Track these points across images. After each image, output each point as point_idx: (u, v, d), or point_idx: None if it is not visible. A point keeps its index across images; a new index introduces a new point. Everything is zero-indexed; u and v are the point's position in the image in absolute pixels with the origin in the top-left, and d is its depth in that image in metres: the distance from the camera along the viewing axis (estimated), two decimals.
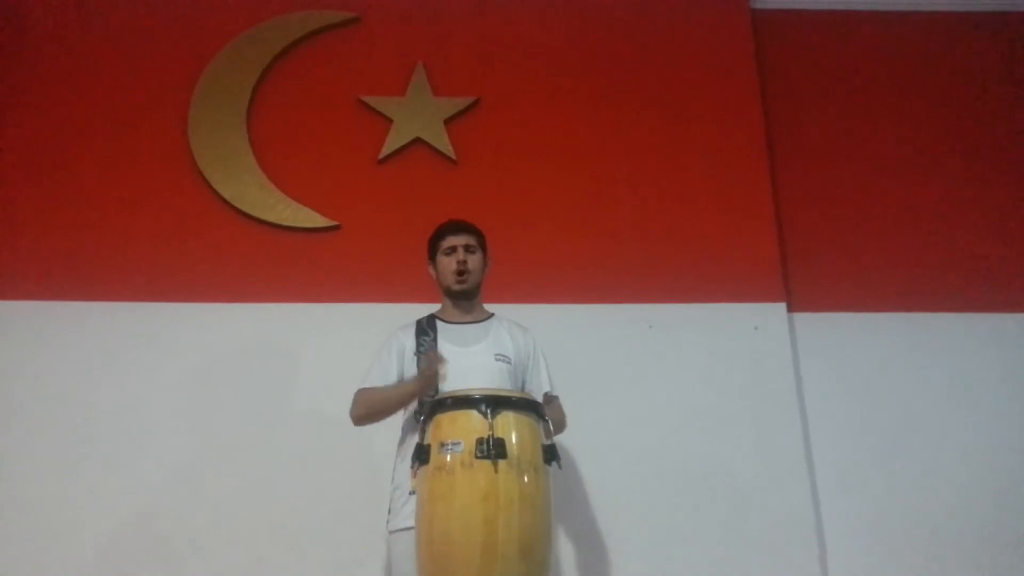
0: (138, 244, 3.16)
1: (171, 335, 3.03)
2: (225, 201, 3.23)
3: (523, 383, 2.35)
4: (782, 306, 3.20)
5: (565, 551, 2.79)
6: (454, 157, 3.35)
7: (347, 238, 3.23)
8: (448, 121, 3.40)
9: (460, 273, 2.35)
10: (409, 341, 2.33)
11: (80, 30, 3.47)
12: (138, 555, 2.74)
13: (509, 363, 2.31)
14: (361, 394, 2.30)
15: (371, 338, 2.95)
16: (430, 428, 1.94)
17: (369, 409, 2.29)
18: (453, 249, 2.37)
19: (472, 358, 2.27)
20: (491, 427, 1.84)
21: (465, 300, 2.39)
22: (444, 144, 3.36)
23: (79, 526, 2.76)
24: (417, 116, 3.39)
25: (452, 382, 2.15)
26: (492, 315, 2.45)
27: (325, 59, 3.49)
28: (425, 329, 2.34)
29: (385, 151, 3.34)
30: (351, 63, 3.49)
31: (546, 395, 2.34)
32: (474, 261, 2.37)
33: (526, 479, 1.84)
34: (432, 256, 2.44)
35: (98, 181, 3.25)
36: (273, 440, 2.91)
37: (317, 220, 3.23)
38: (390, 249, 3.20)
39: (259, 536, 2.78)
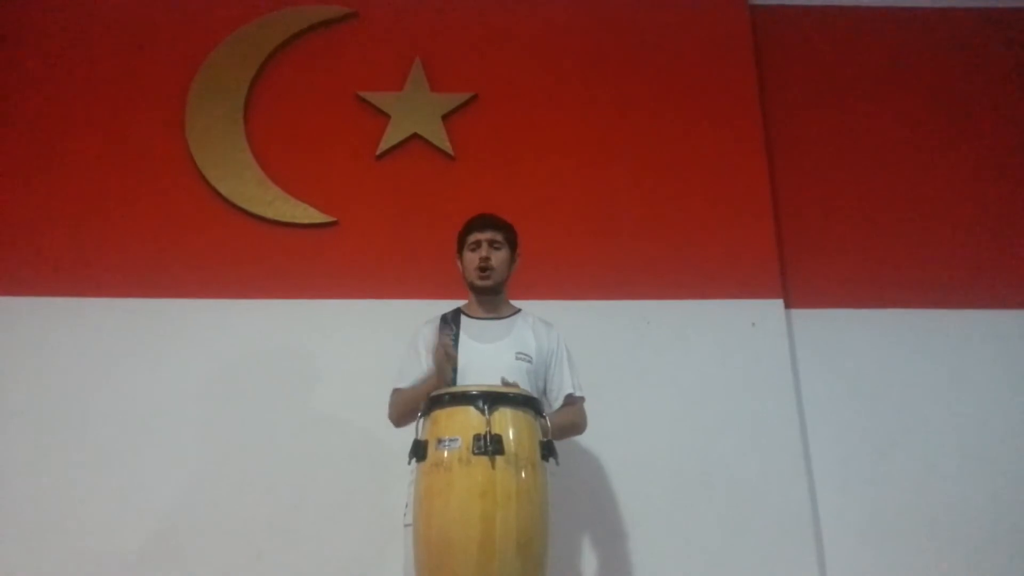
0: (135, 240, 3.16)
1: (168, 331, 3.03)
2: (222, 197, 3.23)
3: (545, 382, 2.34)
4: (779, 302, 3.20)
5: (562, 547, 2.78)
6: (452, 153, 3.35)
7: (345, 234, 3.22)
8: (446, 117, 3.39)
9: (483, 270, 2.33)
10: (433, 336, 2.33)
11: (77, 27, 3.46)
12: (138, 553, 2.74)
13: (530, 362, 2.29)
14: (394, 396, 2.31)
15: (369, 334, 2.98)
16: (427, 424, 1.94)
17: (403, 409, 2.27)
18: (478, 245, 2.35)
19: (492, 355, 2.26)
20: (488, 423, 1.84)
21: (489, 296, 2.38)
22: (442, 140, 3.35)
23: (78, 524, 2.76)
24: (415, 112, 3.39)
25: (470, 379, 2.15)
26: (518, 311, 2.44)
27: (322, 54, 3.48)
28: (449, 324, 2.34)
29: (383, 147, 3.33)
30: (348, 58, 3.48)
31: (567, 396, 2.33)
32: (498, 258, 2.35)
33: (523, 475, 1.84)
34: (459, 250, 2.42)
35: (95, 177, 3.25)
36: (271, 436, 2.91)
37: (315, 216, 3.22)
38: (388, 245, 3.20)
39: (258, 532, 2.78)
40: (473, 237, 2.37)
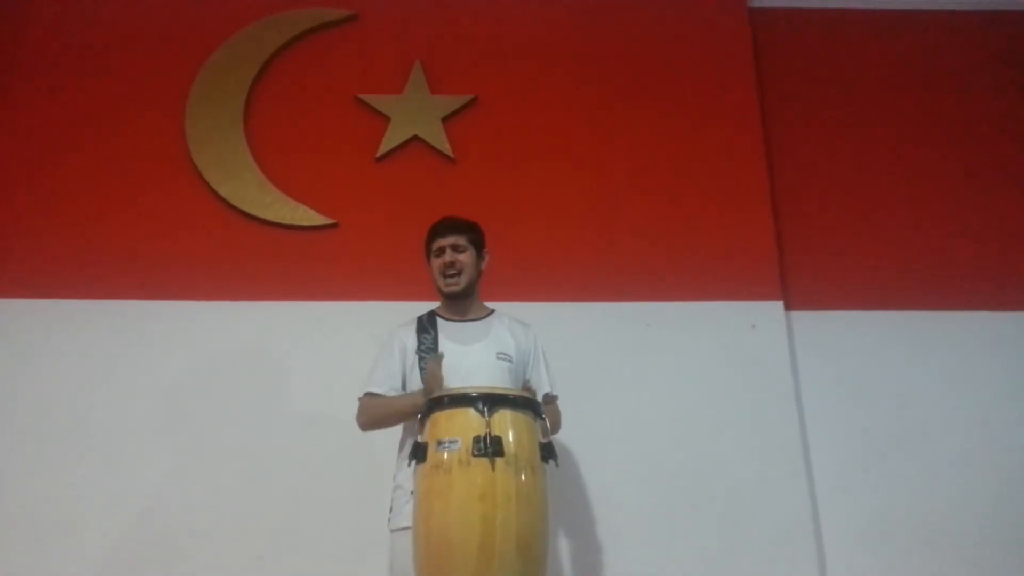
0: (135, 242, 3.16)
1: (168, 333, 3.03)
2: (222, 199, 3.23)
3: (524, 381, 2.34)
4: (779, 304, 3.20)
5: (562, 549, 2.79)
6: (452, 155, 3.35)
7: (345, 236, 3.22)
8: (446, 119, 3.40)
9: (448, 276, 2.34)
10: (410, 339, 2.32)
11: (77, 29, 3.47)
12: (136, 554, 2.74)
13: (510, 361, 2.30)
14: (366, 401, 2.29)
15: (369, 336, 2.94)
16: (427, 426, 1.94)
17: (374, 419, 2.28)
18: (441, 251, 2.36)
19: (473, 356, 2.26)
20: (488, 425, 1.84)
21: (461, 299, 2.38)
22: (442, 142, 3.36)
23: (76, 525, 2.76)
24: (415, 114, 3.39)
25: (453, 381, 2.14)
26: (492, 311, 2.44)
27: (322, 57, 3.49)
28: (426, 327, 2.33)
29: (383, 149, 3.34)
30: (348, 61, 3.49)
31: (545, 395, 2.34)
32: (463, 260, 2.35)
33: (523, 477, 1.84)
34: (427, 256, 2.43)
35: (95, 179, 3.25)
36: (270, 438, 2.91)
37: (315, 218, 3.23)
38: (388, 247, 3.20)
39: (257, 535, 2.78)
40: (436, 244, 2.38)
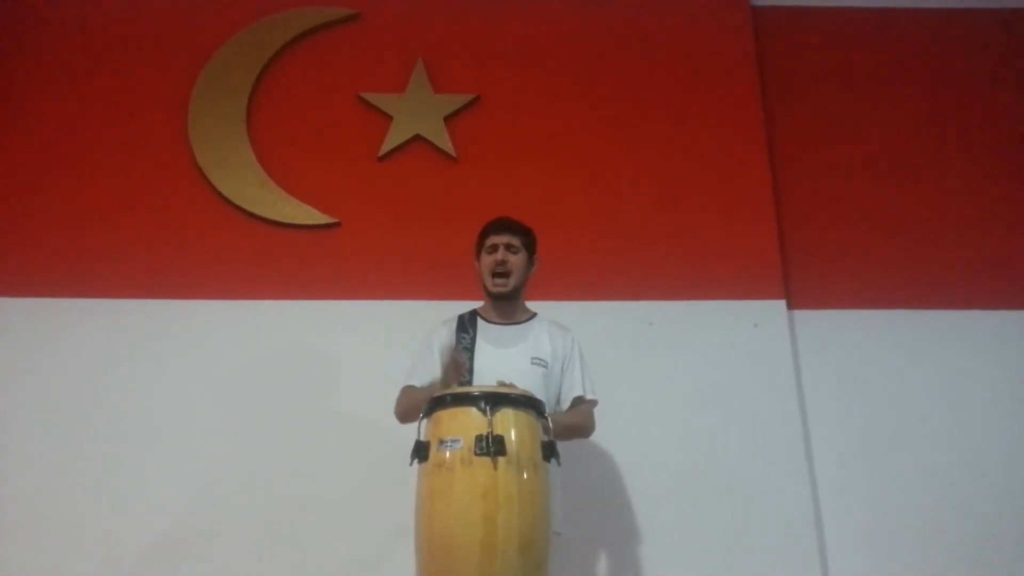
0: (138, 241, 3.16)
1: (170, 332, 3.03)
2: (225, 198, 3.23)
3: (559, 385, 2.34)
4: (782, 303, 3.19)
5: (563, 548, 2.77)
6: (454, 154, 3.35)
7: (347, 235, 3.22)
8: (448, 118, 3.40)
9: (496, 274, 2.33)
10: (449, 337, 2.33)
11: (80, 28, 3.47)
12: (140, 554, 2.74)
13: (545, 367, 2.29)
14: (404, 393, 2.30)
15: (371, 335, 2.99)
16: (429, 425, 1.94)
17: (407, 411, 2.26)
18: (494, 248, 2.35)
19: (508, 360, 2.26)
20: (490, 424, 1.84)
21: (505, 302, 2.37)
22: (444, 141, 3.36)
23: (79, 525, 2.76)
24: (417, 113, 3.39)
25: (485, 383, 2.14)
26: (534, 315, 2.43)
27: (325, 56, 3.49)
28: (466, 326, 2.33)
29: (385, 148, 3.34)
30: (351, 60, 3.49)
31: (575, 399, 2.32)
32: (515, 262, 2.34)
33: (525, 476, 1.84)
34: (477, 253, 2.42)
35: (98, 178, 3.25)
36: (272, 437, 2.91)
37: (317, 217, 3.23)
38: (390, 246, 3.20)
39: (260, 534, 2.78)
40: (490, 240, 2.37)
